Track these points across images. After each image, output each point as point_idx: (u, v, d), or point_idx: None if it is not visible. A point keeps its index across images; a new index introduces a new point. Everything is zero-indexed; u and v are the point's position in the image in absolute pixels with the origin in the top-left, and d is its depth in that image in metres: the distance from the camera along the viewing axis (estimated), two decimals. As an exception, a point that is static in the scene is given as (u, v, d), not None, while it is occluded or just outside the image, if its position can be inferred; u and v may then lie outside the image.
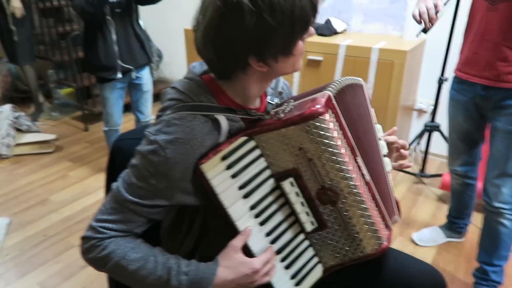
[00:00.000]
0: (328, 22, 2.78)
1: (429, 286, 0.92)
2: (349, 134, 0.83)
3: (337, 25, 2.79)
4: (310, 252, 0.89)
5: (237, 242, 0.82)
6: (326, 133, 0.76)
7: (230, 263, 0.81)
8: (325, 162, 0.79)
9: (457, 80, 1.63)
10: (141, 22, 2.43)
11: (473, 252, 1.93)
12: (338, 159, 0.78)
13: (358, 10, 2.90)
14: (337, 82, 0.87)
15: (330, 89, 0.83)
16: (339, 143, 0.78)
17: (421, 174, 2.55)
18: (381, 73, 2.41)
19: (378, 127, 1.02)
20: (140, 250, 0.80)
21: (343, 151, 0.79)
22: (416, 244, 2.00)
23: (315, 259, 0.90)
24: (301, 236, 0.88)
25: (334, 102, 0.80)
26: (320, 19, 2.91)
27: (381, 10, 2.82)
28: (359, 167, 0.84)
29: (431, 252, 1.96)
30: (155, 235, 0.96)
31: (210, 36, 0.75)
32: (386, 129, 1.08)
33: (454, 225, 2.00)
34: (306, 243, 0.88)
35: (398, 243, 2.01)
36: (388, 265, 0.94)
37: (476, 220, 2.15)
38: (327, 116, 0.76)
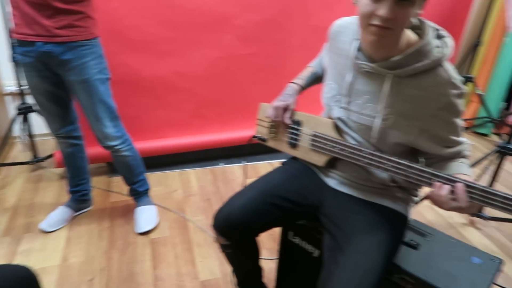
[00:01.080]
0: None
1: (19, 285, 0.86)
2: None
3: None
4: None
5: None
6: None
7: None
8: None
9: (19, 44, 1.56)
10: None
11: (104, 215, 2.03)
12: None
13: None
14: None
15: None
16: None
17: (36, 160, 2.40)
18: None
19: None
20: None
21: None
22: (48, 232, 1.89)
23: None
24: None
25: None
26: None
27: None
28: None
29: (64, 233, 1.89)
30: None
31: None
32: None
33: (77, 194, 1.98)
34: None
35: (34, 244, 1.83)
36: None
37: (98, 183, 2.26)
38: None
